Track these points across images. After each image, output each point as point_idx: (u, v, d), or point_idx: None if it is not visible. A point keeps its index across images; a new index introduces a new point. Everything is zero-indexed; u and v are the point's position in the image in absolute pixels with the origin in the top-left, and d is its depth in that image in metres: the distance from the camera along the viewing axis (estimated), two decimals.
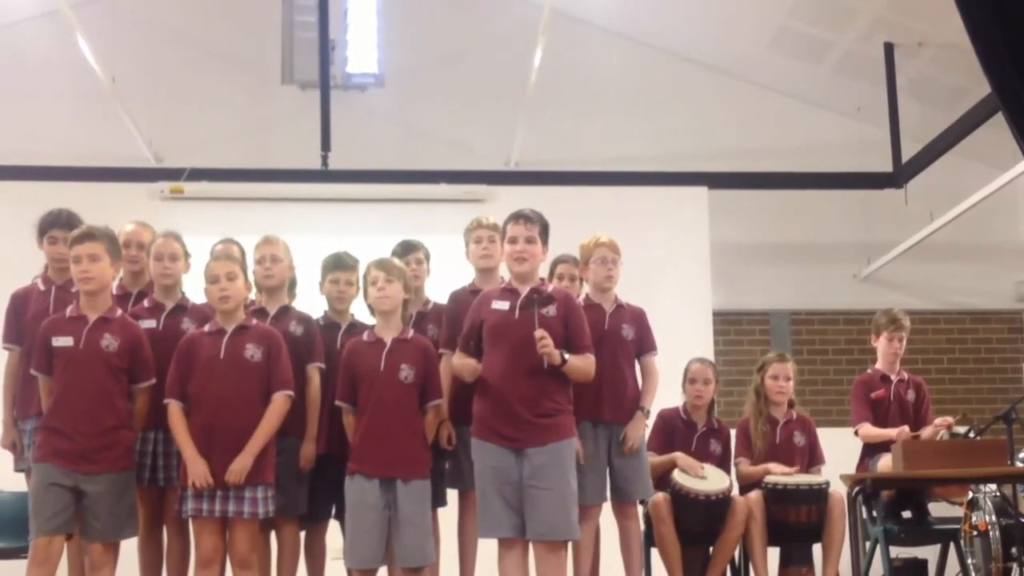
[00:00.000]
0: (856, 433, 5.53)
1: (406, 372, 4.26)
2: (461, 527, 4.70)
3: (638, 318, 4.80)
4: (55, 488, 4.03)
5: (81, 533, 4.14)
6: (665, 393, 5.23)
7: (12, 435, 4.64)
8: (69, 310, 4.26)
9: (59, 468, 4.05)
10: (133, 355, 4.23)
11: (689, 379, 5.30)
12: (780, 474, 5.13)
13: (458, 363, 4.33)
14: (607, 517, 4.72)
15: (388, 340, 4.31)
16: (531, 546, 4.14)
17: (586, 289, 4.89)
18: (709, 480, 4.99)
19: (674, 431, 5.22)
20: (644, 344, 4.78)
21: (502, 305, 4.26)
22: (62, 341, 4.16)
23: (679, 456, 5.11)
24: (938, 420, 5.37)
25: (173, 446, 4.34)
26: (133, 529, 4.26)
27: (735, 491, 5.15)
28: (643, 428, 4.71)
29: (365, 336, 4.40)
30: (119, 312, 4.29)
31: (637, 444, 4.66)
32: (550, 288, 4.39)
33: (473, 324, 4.30)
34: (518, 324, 4.18)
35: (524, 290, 4.27)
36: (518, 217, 4.32)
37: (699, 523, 4.97)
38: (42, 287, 4.69)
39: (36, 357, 4.25)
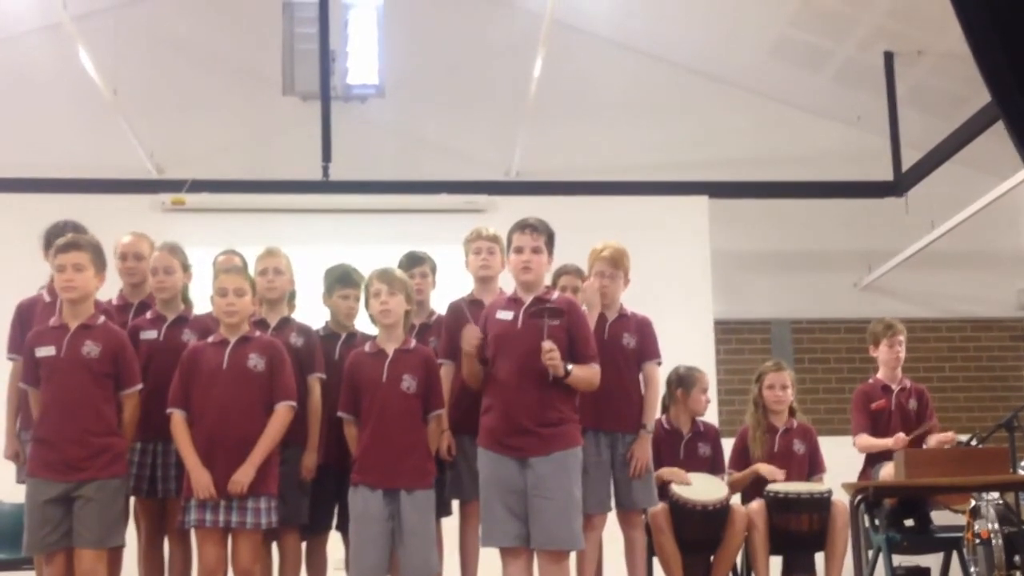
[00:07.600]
0: (855, 444, 5.53)
1: (408, 382, 4.26)
2: (463, 537, 4.69)
3: (641, 327, 4.78)
4: (48, 506, 4.03)
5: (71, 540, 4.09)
6: None
7: (15, 446, 4.64)
8: (52, 320, 4.27)
9: (49, 482, 4.04)
10: (116, 361, 4.20)
11: (701, 388, 5.22)
12: (778, 481, 5.08)
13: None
14: (608, 526, 4.72)
15: (390, 351, 4.32)
16: (535, 555, 4.14)
17: None
18: (706, 490, 4.98)
19: (659, 443, 4.99)
20: (645, 352, 4.76)
21: (506, 315, 4.25)
22: (44, 351, 4.17)
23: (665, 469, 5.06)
24: (941, 436, 5.36)
25: (173, 457, 4.35)
26: (121, 537, 4.22)
27: (736, 499, 5.13)
28: (648, 446, 4.70)
29: (367, 347, 4.40)
30: (101, 319, 4.27)
31: (645, 464, 4.66)
32: (555, 296, 4.36)
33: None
34: (522, 334, 4.17)
35: (528, 299, 4.26)
36: (524, 227, 4.31)
37: (698, 532, 4.95)
38: (47, 298, 4.68)
39: (24, 370, 4.28)
